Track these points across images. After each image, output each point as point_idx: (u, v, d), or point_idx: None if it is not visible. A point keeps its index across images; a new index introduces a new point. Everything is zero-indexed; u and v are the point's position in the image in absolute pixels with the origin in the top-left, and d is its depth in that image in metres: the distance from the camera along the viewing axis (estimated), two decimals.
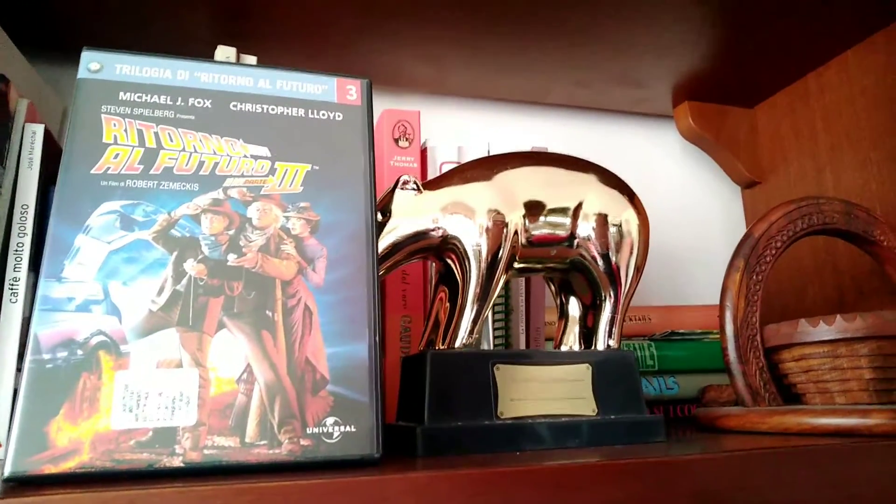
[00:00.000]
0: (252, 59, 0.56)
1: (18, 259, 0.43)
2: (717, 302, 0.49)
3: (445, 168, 0.57)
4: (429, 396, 0.36)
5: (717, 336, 0.58)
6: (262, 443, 0.28)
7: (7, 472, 0.26)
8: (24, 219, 0.44)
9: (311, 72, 0.38)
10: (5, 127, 0.45)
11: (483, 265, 0.40)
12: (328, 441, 0.29)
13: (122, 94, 0.34)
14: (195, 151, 0.33)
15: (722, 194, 0.87)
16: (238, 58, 0.55)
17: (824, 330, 0.45)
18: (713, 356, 0.62)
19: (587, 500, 0.30)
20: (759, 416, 0.44)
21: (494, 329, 0.54)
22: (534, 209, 0.41)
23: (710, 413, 0.48)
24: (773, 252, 0.49)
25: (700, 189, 0.86)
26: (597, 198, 0.43)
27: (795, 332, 0.46)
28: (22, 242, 0.43)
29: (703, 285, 0.78)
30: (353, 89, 0.38)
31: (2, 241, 0.43)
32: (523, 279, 0.56)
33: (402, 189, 0.40)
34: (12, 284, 0.42)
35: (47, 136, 0.46)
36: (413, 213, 0.40)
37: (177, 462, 0.27)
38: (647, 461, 0.32)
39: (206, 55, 0.53)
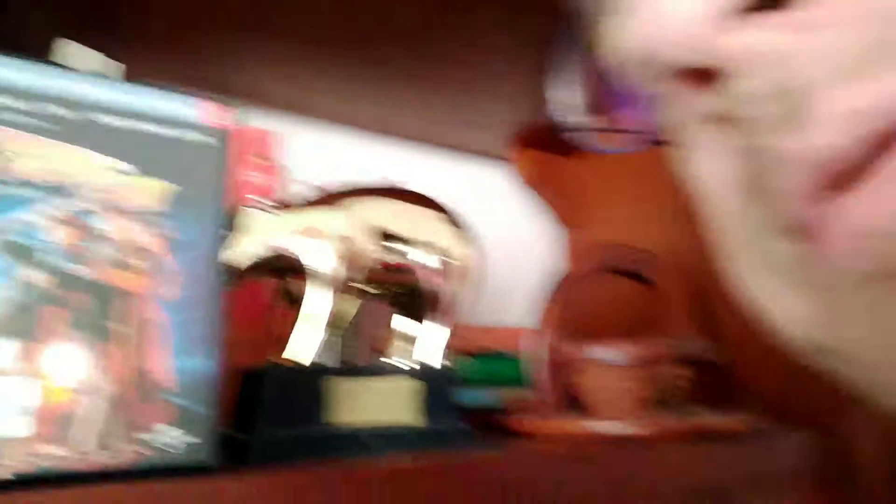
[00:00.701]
0: (119, 67, 0.54)
1: None
2: (530, 327, 0.58)
3: (298, 189, 0.60)
4: (264, 408, 0.38)
5: (526, 355, 0.67)
6: (98, 451, 0.30)
7: None
8: None
9: (179, 91, 0.39)
10: None
11: (328, 287, 0.43)
12: (165, 449, 0.31)
13: None
14: (50, 159, 0.33)
15: (548, 234, 0.98)
16: (104, 62, 0.53)
17: (610, 353, 0.54)
18: (525, 372, 0.71)
19: (402, 494, 0.35)
20: (554, 424, 0.52)
21: (333, 344, 0.58)
22: (381, 238, 0.46)
23: (517, 421, 0.56)
24: (579, 287, 0.58)
25: (530, 228, 0.97)
26: (438, 232, 0.49)
27: (588, 354, 0.55)
28: None
29: (523, 311, 0.88)
30: (219, 113, 0.40)
31: None
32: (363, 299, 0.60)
33: (256, 209, 0.43)
34: None
35: None
36: (265, 233, 0.42)
37: (5, 473, 0.28)
38: (455, 463, 0.38)
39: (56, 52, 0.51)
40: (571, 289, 0.58)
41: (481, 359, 0.70)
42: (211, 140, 0.39)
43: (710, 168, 0.18)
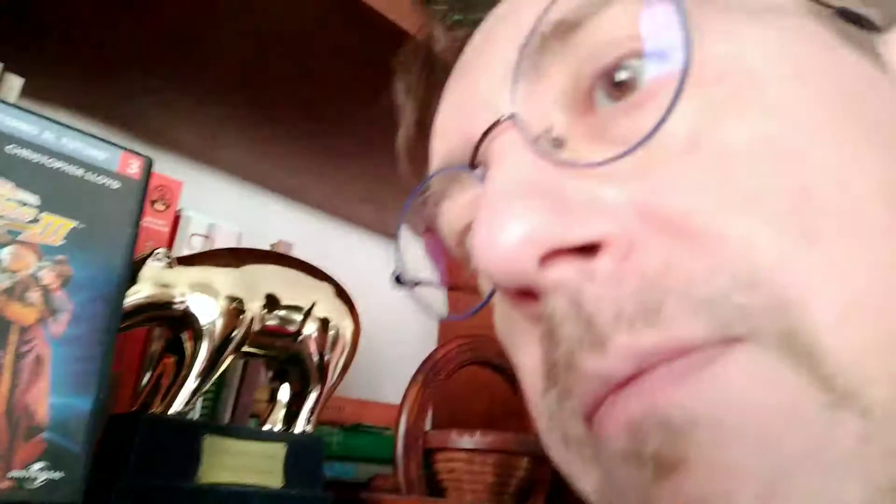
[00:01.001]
0: (18, 81, 0.55)
1: None
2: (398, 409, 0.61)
3: (195, 240, 0.61)
4: (135, 454, 0.39)
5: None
6: None
7: None
8: None
9: (97, 138, 0.41)
10: None
11: (214, 344, 0.45)
12: (30, 486, 0.31)
13: None
14: None
15: (422, 316, 1.03)
16: (2, 75, 0.54)
17: (466, 440, 0.59)
18: (390, 449, 0.73)
19: None
20: (407, 502, 0.55)
21: (203, 399, 0.58)
22: (271, 303, 0.48)
23: (373, 497, 0.58)
24: (445, 373, 0.63)
25: (406, 308, 1.01)
26: (326, 304, 0.52)
27: (447, 439, 0.59)
28: None
29: (394, 387, 0.91)
30: (134, 164, 0.42)
31: None
32: (242, 361, 0.61)
33: (154, 259, 0.44)
34: None
35: None
36: (160, 283, 0.44)
37: None
38: None
39: None
40: (437, 373, 0.63)
41: (349, 432, 0.72)
42: (122, 187, 0.40)
43: (527, 357, 0.22)
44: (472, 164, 0.23)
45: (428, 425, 0.87)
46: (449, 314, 0.31)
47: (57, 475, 0.32)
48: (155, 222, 0.58)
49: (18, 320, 0.34)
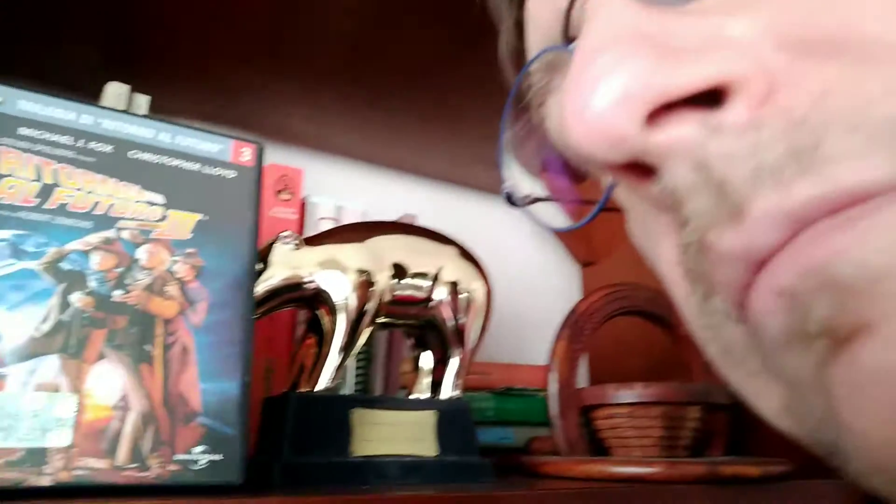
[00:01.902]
0: (145, 99, 0.58)
1: None
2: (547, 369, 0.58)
3: (323, 223, 0.62)
4: (289, 433, 0.39)
5: None
6: (133, 466, 0.31)
7: None
8: None
9: (208, 131, 0.41)
10: None
11: (350, 318, 0.45)
12: (194, 467, 0.33)
13: (22, 129, 0.36)
14: (92, 192, 0.36)
15: (564, 271, 0.99)
16: (130, 96, 0.57)
17: (626, 394, 0.54)
18: (544, 411, 0.71)
19: None
20: (571, 464, 0.52)
21: (356, 375, 0.59)
22: (399, 272, 0.47)
23: (534, 461, 0.55)
24: (593, 326, 0.59)
25: (546, 264, 0.98)
26: (452, 268, 0.50)
27: (604, 395, 0.55)
28: None
29: (541, 348, 0.88)
30: (247, 151, 0.42)
31: None
32: (385, 332, 0.61)
33: (282, 242, 0.45)
34: None
35: None
36: (290, 265, 0.44)
37: (45, 481, 0.29)
38: (471, 495, 0.38)
39: (98, 89, 0.55)
40: (582, 327, 0.59)
41: (500, 396, 0.70)
42: (237, 176, 0.41)
43: (663, 259, 0.19)
44: (567, 38, 0.19)
45: (585, 383, 0.84)
46: (564, 225, 0.26)
47: (217, 457, 0.33)
48: (283, 211, 0.60)
49: (161, 314, 0.35)
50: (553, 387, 0.55)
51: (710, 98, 0.14)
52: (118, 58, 0.63)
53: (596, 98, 0.15)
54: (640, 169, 0.16)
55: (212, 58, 0.63)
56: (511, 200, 0.28)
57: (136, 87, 0.58)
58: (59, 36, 0.59)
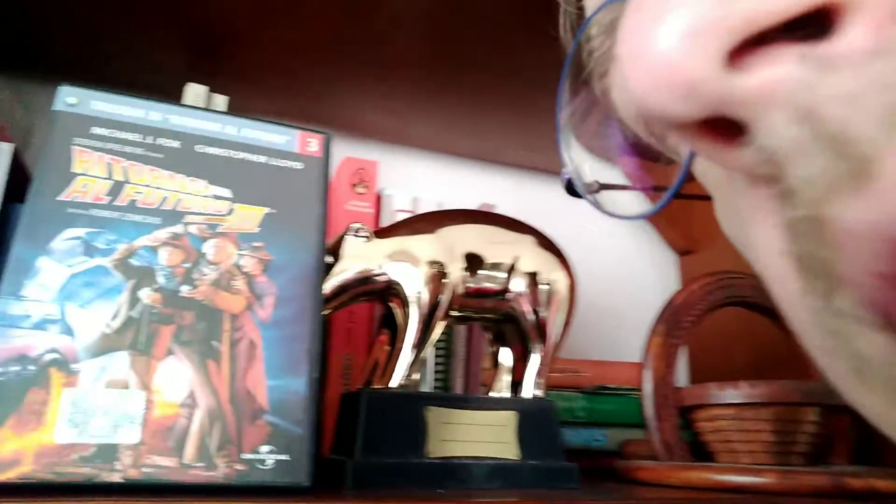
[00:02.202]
0: (223, 99, 0.59)
1: None
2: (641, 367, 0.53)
3: (399, 216, 0.60)
4: (361, 432, 0.38)
5: None
6: (200, 464, 0.30)
7: None
8: None
9: (275, 122, 0.41)
10: None
11: (422, 312, 0.43)
12: (261, 467, 0.31)
13: (94, 128, 0.36)
14: (160, 188, 0.36)
15: (659, 260, 0.92)
16: (208, 97, 0.58)
17: (731, 394, 0.49)
18: (638, 411, 0.66)
19: None
20: (669, 470, 0.47)
21: (435, 373, 0.57)
22: (473, 263, 0.45)
23: (628, 465, 0.51)
24: (692, 319, 0.53)
25: (639, 253, 0.92)
26: (530, 257, 0.47)
27: (706, 395, 0.50)
28: None
29: (636, 344, 0.83)
30: (313, 142, 0.41)
31: None
32: (465, 328, 0.59)
33: (352, 235, 0.43)
34: None
35: (15, 155, 0.48)
36: (361, 259, 0.43)
37: (116, 478, 0.29)
38: (560, 502, 0.35)
39: (179, 91, 0.56)
40: (680, 321, 0.54)
41: (591, 395, 0.66)
42: (304, 167, 0.40)
43: (758, 245, 0.14)
44: None
45: (684, 382, 0.78)
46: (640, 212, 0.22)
47: (284, 457, 0.32)
48: (358, 205, 0.59)
49: (228, 309, 0.34)
50: (648, 385, 0.51)
51: (812, 25, 0.11)
52: (198, 61, 0.64)
53: (660, 33, 0.11)
54: (724, 128, 0.12)
55: (286, 55, 0.63)
56: (572, 189, 0.25)
57: (215, 88, 0.59)
58: (145, 42, 0.61)
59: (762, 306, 0.56)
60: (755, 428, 0.49)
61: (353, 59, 0.63)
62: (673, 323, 0.52)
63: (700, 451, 0.53)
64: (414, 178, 0.78)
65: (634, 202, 0.25)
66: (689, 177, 0.21)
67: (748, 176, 0.13)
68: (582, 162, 0.25)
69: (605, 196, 0.24)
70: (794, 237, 0.12)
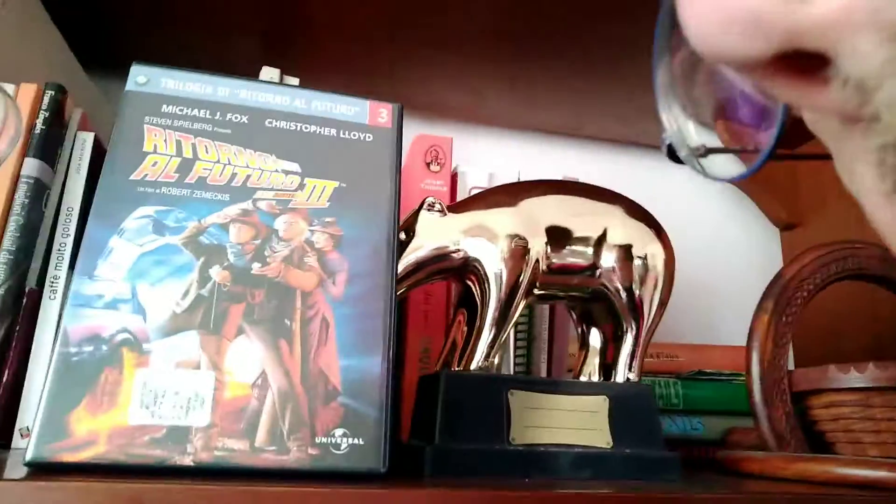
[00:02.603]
0: (294, 81, 0.58)
1: (60, 259, 0.45)
2: (746, 349, 0.48)
3: (475, 193, 0.58)
4: (440, 417, 0.36)
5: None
6: (271, 448, 0.29)
7: (28, 457, 0.27)
8: (68, 220, 0.46)
9: (344, 94, 0.39)
10: (60, 134, 0.48)
11: (502, 290, 0.40)
12: (335, 452, 0.30)
13: (165, 106, 0.35)
14: (229, 164, 0.35)
15: (759, 235, 0.85)
16: (281, 79, 0.57)
17: (855, 377, 0.43)
18: (741, 399, 0.60)
19: None
20: (782, 462, 0.42)
21: (516, 356, 0.54)
22: (556, 237, 0.42)
23: (733, 456, 0.46)
24: (805, 295, 0.48)
25: (736, 229, 0.85)
26: (621, 229, 0.43)
27: (825, 378, 0.45)
28: (64, 243, 0.45)
29: (735, 326, 0.76)
30: (384, 112, 0.39)
31: (47, 240, 0.45)
32: (548, 308, 0.55)
33: (426, 210, 0.41)
34: (52, 282, 0.44)
35: (96, 143, 0.48)
36: (436, 235, 0.41)
37: (187, 461, 0.28)
38: (660, 496, 0.31)
39: (253, 75, 0.56)
40: (791, 297, 0.48)
41: (688, 381, 0.61)
42: (375, 139, 0.38)
43: (863, 181, 0.14)
44: None
45: (790, 365, 0.71)
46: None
47: (358, 441, 0.30)
48: (433, 183, 0.56)
49: (300, 286, 0.33)
50: (756, 369, 0.46)
51: None
52: (271, 44, 0.63)
53: None
54: (803, 65, 0.11)
55: (355, 34, 0.61)
56: (673, 154, 0.22)
57: (286, 71, 0.59)
58: (219, 27, 0.61)
59: (887, 279, 0.50)
60: (885, 416, 0.43)
61: (424, 34, 0.61)
62: (783, 300, 0.46)
63: (816, 442, 0.47)
64: (490, 155, 0.75)
65: (735, 166, 0.22)
66: (803, 136, 0.18)
67: (841, 115, 0.12)
68: (684, 124, 0.22)
69: (709, 161, 0.22)
70: (884, 166, 0.12)
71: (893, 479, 0.37)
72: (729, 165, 0.23)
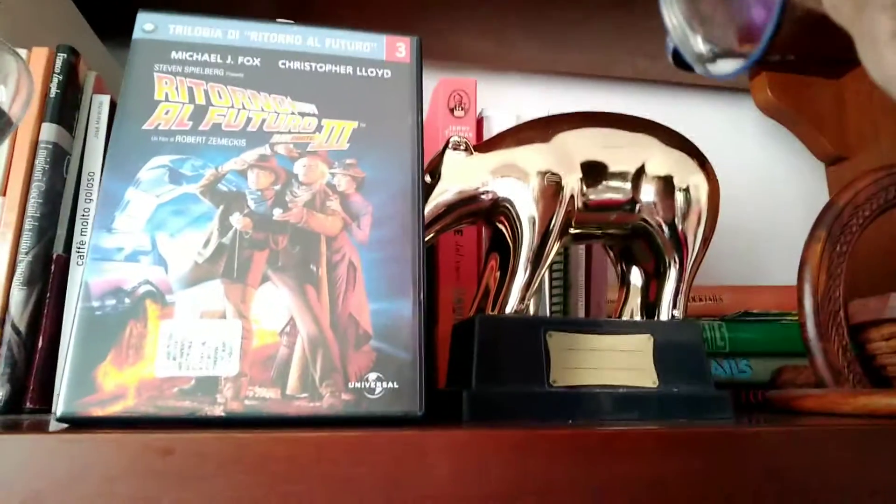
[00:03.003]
0: None
1: (85, 224, 0.44)
2: (795, 283, 0.46)
3: None
4: (477, 361, 0.34)
5: (796, 317, 0.54)
6: (303, 395, 0.28)
7: (58, 413, 0.26)
8: (90, 185, 0.45)
9: (359, 30, 0.37)
10: (75, 98, 0.47)
11: (536, 230, 0.38)
12: (370, 396, 0.29)
13: (174, 53, 0.34)
14: (243, 108, 0.33)
15: (803, 171, 0.81)
16: None
17: None
18: (790, 339, 0.58)
19: (641, 470, 0.28)
20: (841, 397, 0.40)
21: (552, 305, 0.52)
22: (591, 171, 0.39)
23: (785, 395, 0.44)
24: (860, 222, 0.45)
25: (779, 165, 0.81)
26: (661, 160, 0.40)
27: (886, 308, 0.42)
28: (88, 208, 0.45)
29: (781, 266, 0.73)
30: (402, 47, 0.37)
31: (71, 206, 0.45)
32: (583, 251, 0.53)
33: (452, 150, 0.39)
34: (79, 248, 0.44)
35: (113, 106, 0.47)
36: (463, 176, 0.39)
37: (218, 411, 0.27)
38: (711, 431, 0.29)
39: None
40: (849, 224, 0.45)
41: (734, 323, 0.59)
42: (394, 74, 0.36)
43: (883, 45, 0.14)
44: None
45: None
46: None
47: (393, 385, 0.29)
48: (458, 129, 0.54)
49: (324, 231, 0.31)
50: (808, 301, 0.43)
51: None
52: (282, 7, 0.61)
53: None
54: None
55: None
56: (678, 59, 0.22)
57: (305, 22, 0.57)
58: None
59: None
60: None
61: None
62: (837, 227, 0.44)
63: (874, 377, 0.45)
64: (517, 99, 0.72)
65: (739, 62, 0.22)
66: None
67: None
68: (688, 27, 0.21)
69: (715, 65, 0.22)
70: None
71: None
72: (734, 63, 0.22)
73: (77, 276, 0.43)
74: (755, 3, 0.22)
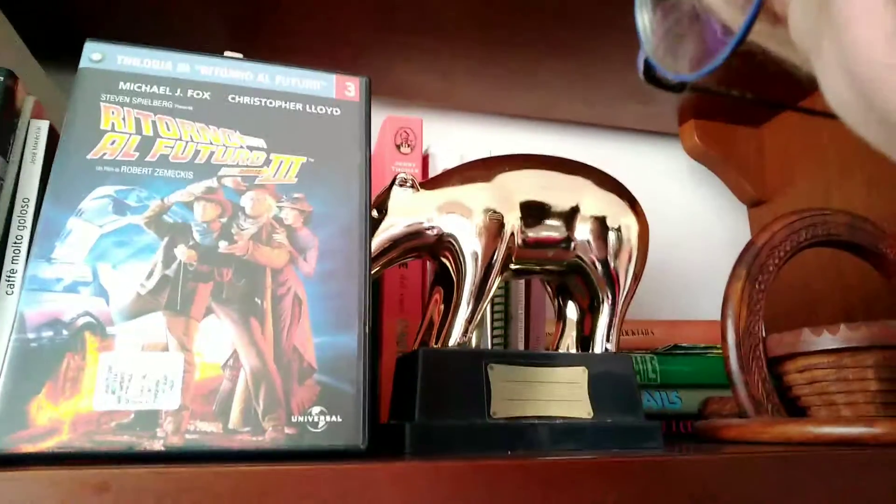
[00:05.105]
0: None
1: (17, 251, 0.43)
2: (720, 317, 0.49)
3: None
4: (420, 394, 0.35)
5: (720, 351, 0.57)
6: (246, 429, 0.28)
7: None
8: (24, 212, 0.44)
9: (309, 68, 0.38)
10: (11, 122, 0.46)
11: (478, 265, 0.39)
12: (313, 430, 0.29)
13: (122, 83, 0.34)
14: (191, 140, 0.33)
15: (727, 213, 0.86)
16: None
17: (828, 339, 0.44)
18: (716, 371, 0.61)
19: (580, 498, 0.29)
20: (761, 426, 0.43)
21: (493, 337, 0.54)
22: (530, 211, 0.41)
23: (711, 424, 0.47)
24: (776, 262, 0.48)
25: (705, 207, 0.86)
26: (595, 201, 0.43)
27: (799, 342, 0.45)
28: (21, 235, 0.43)
29: (707, 301, 0.77)
30: (351, 86, 0.38)
31: (1, 233, 0.43)
32: (523, 286, 0.55)
33: (399, 186, 0.40)
34: (9, 276, 0.42)
35: (52, 132, 0.46)
36: (409, 211, 0.40)
37: (157, 445, 0.27)
38: (642, 460, 0.31)
39: None
40: (766, 263, 0.48)
41: (664, 356, 0.61)
42: (342, 113, 0.37)
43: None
44: None
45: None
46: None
47: (336, 418, 0.29)
48: (404, 165, 0.56)
49: (270, 263, 0.32)
50: (731, 336, 0.46)
51: None
52: (235, 31, 0.62)
53: None
54: None
55: (322, 17, 0.60)
56: (650, 75, 0.21)
57: (252, 56, 0.57)
58: (184, 13, 0.59)
59: (857, 245, 0.50)
60: (857, 376, 0.44)
61: (391, 18, 0.60)
62: (756, 266, 0.47)
63: (790, 407, 0.48)
64: (462, 139, 0.75)
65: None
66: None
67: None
68: (656, 34, 0.21)
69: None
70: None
71: (869, 435, 0.38)
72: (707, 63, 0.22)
73: (7, 305, 0.42)
74: (722, 36, 0.22)
